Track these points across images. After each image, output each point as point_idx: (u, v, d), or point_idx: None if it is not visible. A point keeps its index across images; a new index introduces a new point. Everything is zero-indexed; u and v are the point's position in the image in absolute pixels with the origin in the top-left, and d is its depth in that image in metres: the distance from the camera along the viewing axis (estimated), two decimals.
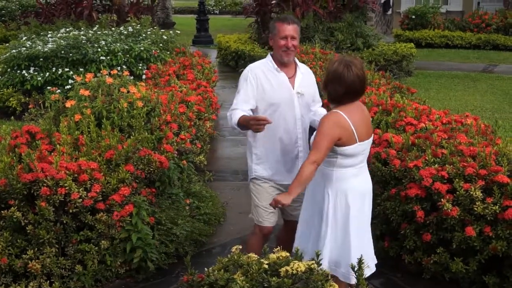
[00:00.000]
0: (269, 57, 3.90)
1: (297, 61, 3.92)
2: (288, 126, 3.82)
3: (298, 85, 3.85)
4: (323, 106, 4.15)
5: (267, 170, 3.86)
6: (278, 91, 3.79)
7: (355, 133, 3.35)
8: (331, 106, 3.50)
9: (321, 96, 4.14)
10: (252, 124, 3.58)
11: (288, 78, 3.84)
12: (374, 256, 3.61)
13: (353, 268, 2.74)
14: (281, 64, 3.83)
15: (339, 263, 3.43)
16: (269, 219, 3.89)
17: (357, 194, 3.44)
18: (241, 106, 3.75)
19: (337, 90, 3.34)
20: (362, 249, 3.38)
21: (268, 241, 3.95)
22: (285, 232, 4.09)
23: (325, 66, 3.57)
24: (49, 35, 10.00)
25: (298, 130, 3.85)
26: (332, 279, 3.13)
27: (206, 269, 2.74)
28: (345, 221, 3.40)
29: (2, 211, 3.98)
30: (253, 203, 3.94)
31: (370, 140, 3.52)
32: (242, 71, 3.91)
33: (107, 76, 5.72)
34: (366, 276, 3.11)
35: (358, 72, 3.32)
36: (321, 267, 2.83)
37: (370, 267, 3.45)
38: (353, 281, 3.17)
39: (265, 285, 2.54)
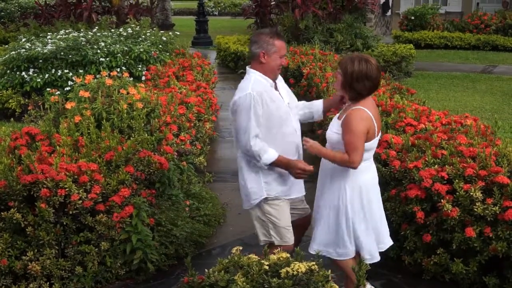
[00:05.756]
0: (257, 74, 3.67)
1: None
2: (290, 138, 3.76)
3: (285, 96, 3.80)
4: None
5: (282, 185, 3.73)
6: (279, 107, 3.70)
7: (376, 128, 3.49)
8: (350, 103, 3.59)
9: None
10: (298, 172, 3.62)
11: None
12: (387, 233, 3.82)
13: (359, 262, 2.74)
14: (272, 80, 3.74)
15: (360, 247, 3.65)
16: (291, 236, 3.78)
17: (369, 186, 3.60)
18: (258, 132, 3.58)
19: (366, 86, 3.47)
20: (380, 228, 3.69)
21: None
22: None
23: (336, 68, 3.65)
24: (48, 37, 10.00)
25: (298, 139, 3.82)
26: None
27: (206, 270, 2.74)
28: (364, 211, 3.57)
29: (2, 213, 3.98)
30: (270, 226, 3.73)
31: (380, 134, 3.67)
32: (241, 97, 3.58)
33: (106, 77, 5.74)
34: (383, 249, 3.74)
35: (376, 64, 3.51)
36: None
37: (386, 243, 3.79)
38: (376, 259, 3.67)
39: (266, 286, 2.54)
